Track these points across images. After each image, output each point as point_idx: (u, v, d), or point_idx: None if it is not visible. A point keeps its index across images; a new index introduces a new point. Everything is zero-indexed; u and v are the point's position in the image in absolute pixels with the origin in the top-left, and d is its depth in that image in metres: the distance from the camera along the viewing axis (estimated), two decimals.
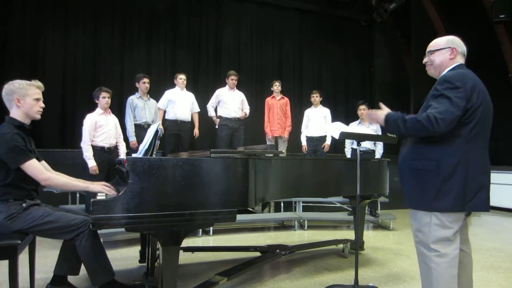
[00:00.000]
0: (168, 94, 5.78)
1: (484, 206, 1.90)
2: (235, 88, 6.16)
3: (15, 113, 2.43)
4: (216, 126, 6.08)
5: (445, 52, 2.02)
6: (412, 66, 8.55)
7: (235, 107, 6.07)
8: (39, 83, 2.50)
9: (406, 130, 1.90)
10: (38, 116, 2.50)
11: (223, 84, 6.29)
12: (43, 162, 2.57)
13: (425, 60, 2.12)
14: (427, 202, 1.90)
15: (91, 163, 4.42)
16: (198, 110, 6.03)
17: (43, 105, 2.51)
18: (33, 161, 2.32)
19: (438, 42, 2.06)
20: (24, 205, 2.35)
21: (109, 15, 7.23)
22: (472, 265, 2.07)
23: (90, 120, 4.49)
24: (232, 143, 6.04)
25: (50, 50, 6.69)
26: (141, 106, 5.41)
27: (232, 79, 6.08)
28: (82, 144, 4.46)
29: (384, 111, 2.05)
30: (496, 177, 7.73)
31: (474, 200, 1.86)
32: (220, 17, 8.22)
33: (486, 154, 1.92)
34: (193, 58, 7.94)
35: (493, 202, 7.69)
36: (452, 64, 2.00)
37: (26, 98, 2.41)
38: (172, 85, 5.96)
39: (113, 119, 4.74)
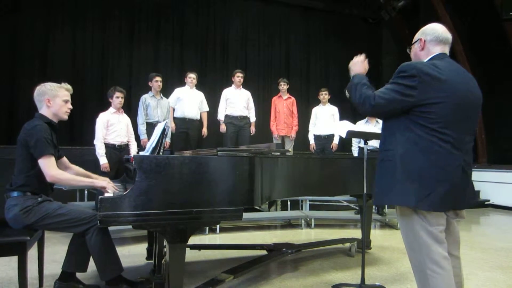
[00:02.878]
0: (177, 92, 5.82)
1: (441, 205, 1.73)
2: (241, 86, 6.17)
3: (45, 112, 2.57)
4: (221, 130, 6.10)
5: (416, 45, 1.94)
6: None
7: (241, 105, 6.09)
8: (68, 86, 2.67)
9: (351, 92, 1.91)
10: (66, 117, 2.66)
11: (230, 81, 6.30)
12: (64, 158, 2.73)
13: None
14: (387, 196, 1.82)
15: (103, 160, 4.55)
16: (207, 109, 6.05)
17: (71, 106, 2.67)
18: (52, 158, 2.43)
19: (415, 36, 1.98)
20: (39, 199, 2.43)
21: (117, 14, 7.27)
22: (462, 269, 1.95)
23: (103, 119, 4.63)
24: (238, 141, 6.07)
25: (59, 48, 6.75)
26: (153, 105, 5.46)
27: (238, 76, 6.09)
28: (95, 142, 4.61)
29: (359, 67, 2.06)
30: (507, 176, 7.65)
31: (429, 198, 1.71)
32: (226, 15, 8.22)
33: (456, 151, 1.74)
34: (200, 56, 7.96)
35: (503, 201, 7.66)
36: (427, 55, 1.89)
37: (56, 99, 2.56)
38: (180, 83, 5.98)
39: (125, 118, 4.86)
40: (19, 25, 6.44)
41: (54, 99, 2.55)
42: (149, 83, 5.53)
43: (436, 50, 1.89)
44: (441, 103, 1.72)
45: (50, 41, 6.71)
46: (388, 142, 1.88)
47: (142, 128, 5.38)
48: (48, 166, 2.39)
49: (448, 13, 8.21)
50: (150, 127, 5.38)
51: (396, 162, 1.79)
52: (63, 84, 2.63)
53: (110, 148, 4.64)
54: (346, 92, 1.99)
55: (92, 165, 4.63)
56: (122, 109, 4.82)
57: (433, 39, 1.89)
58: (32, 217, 2.36)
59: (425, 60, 1.88)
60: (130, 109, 5.61)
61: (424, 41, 1.91)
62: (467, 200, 1.81)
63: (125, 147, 4.81)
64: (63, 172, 2.53)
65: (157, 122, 5.41)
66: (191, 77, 5.87)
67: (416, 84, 1.71)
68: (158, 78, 5.48)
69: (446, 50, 1.90)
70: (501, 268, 3.55)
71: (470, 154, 1.84)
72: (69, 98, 2.65)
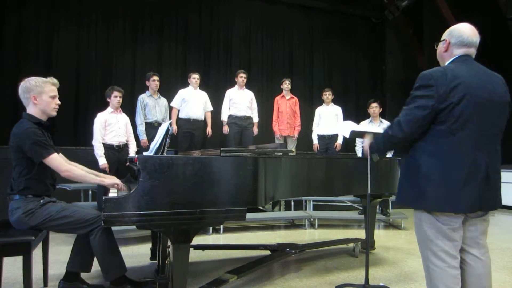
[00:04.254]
0: (182, 93, 5.81)
1: (465, 207, 1.77)
2: (244, 87, 6.17)
3: (32, 110, 2.47)
4: (224, 132, 6.10)
5: (441, 45, 1.98)
6: (424, 63, 8.44)
7: (244, 105, 6.09)
8: (55, 80, 2.54)
9: (384, 147, 2.04)
10: (54, 113, 2.55)
11: (233, 81, 6.30)
12: (61, 154, 2.62)
13: None
14: (412, 200, 1.89)
15: (102, 160, 4.53)
16: (211, 109, 6.05)
17: (59, 102, 2.56)
18: (55, 155, 2.39)
19: (444, 34, 2.01)
20: (41, 201, 2.42)
21: (121, 13, 7.28)
22: (489, 272, 1.93)
23: (100, 119, 4.61)
24: (241, 141, 6.06)
25: (63, 48, 6.76)
26: (151, 104, 5.46)
27: (241, 76, 6.09)
28: (93, 142, 4.59)
29: (367, 141, 2.18)
30: None
31: (453, 200, 1.76)
32: (230, 15, 8.22)
33: (477, 151, 1.78)
34: (203, 56, 7.96)
35: (509, 201, 7.59)
36: (449, 57, 1.94)
37: (42, 96, 2.45)
38: (183, 83, 5.98)
39: (123, 118, 4.82)
40: (23, 25, 6.47)
41: (40, 96, 2.44)
42: (147, 83, 5.52)
43: (459, 52, 1.92)
44: (457, 106, 1.76)
45: (54, 41, 6.72)
46: (411, 148, 1.93)
47: (141, 128, 5.38)
48: (57, 164, 2.37)
49: (452, 13, 8.16)
50: (149, 127, 5.39)
51: (418, 167, 1.85)
52: (48, 79, 2.51)
53: (109, 149, 4.60)
54: (375, 156, 2.18)
55: (94, 166, 4.64)
56: (120, 109, 4.79)
57: (457, 42, 1.92)
58: (35, 220, 2.37)
59: (447, 62, 1.94)
60: (133, 109, 5.60)
61: (449, 43, 1.94)
62: (489, 203, 1.83)
63: (124, 147, 4.77)
64: (75, 168, 2.50)
65: (156, 121, 5.42)
66: (195, 78, 5.86)
67: (434, 94, 1.77)
68: (155, 77, 5.47)
69: (471, 52, 1.93)
70: (507, 269, 3.53)
71: (496, 155, 1.85)
72: (56, 93, 2.52)
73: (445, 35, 1.97)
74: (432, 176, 1.80)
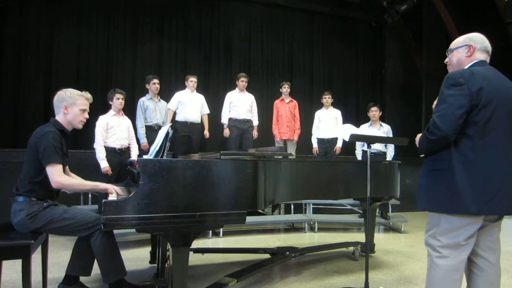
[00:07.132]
0: (178, 95, 5.82)
1: (501, 209, 1.81)
2: (245, 90, 6.18)
3: (60, 119, 2.59)
4: (224, 135, 6.11)
5: (462, 51, 1.99)
6: (423, 67, 8.46)
7: (245, 109, 6.10)
8: (89, 95, 2.69)
9: (423, 148, 1.97)
10: (80, 126, 2.66)
11: (233, 83, 6.31)
12: (67, 168, 2.67)
13: (446, 60, 2.11)
14: (437, 203, 1.87)
15: (104, 164, 4.49)
16: (208, 111, 6.06)
17: (87, 116, 2.68)
18: (59, 166, 2.42)
19: (456, 40, 2.04)
20: (45, 204, 2.44)
21: (121, 15, 7.29)
22: (499, 278, 1.96)
23: (102, 122, 4.57)
24: (242, 144, 6.07)
25: (63, 49, 6.75)
26: (151, 107, 5.45)
27: (243, 80, 6.10)
28: (95, 146, 4.55)
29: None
30: None
31: (490, 203, 1.76)
32: (230, 17, 8.25)
33: (507, 154, 1.81)
34: (203, 58, 7.98)
35: None
36: (470, 61, 1.96)
37: (73, 107, 2.57)
38: (184, 85, 5.99)
39: (125, 121, 4.80)
40: (24, 26, 6.47)
41: (71, 107, 2.56)
42: (147, 86, 5.51)
43: (480, 57, 1.96)
44: (488, 107, 1.78)
45: (54, 43, 6.72)
46: (439, 152, 1.91)
47: (141, 131, 5.35)
48: (54, 173, 2.40)
49: (451, 17, 8.19)
50: (149, 130, 5.38)
51: (451, 171, 1.83)
52: (83, 93, 2.65)
53: (110, 152, 4.56)
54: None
55: (95, 169, 4.63)
56: (122, 111, 4.78)
57: (482, 48, 1.97)
58: (38, 222, 2.37)
59: (467, 66, 1.95)
60: (133, 111, 5.60)
61: (474, 48, 1.96)
62: None
63: (126, 151, 4.73)
64: (69, 178, 2.54)
65: (156, 124, 5.41)
66: (193, 81, 5.86)
67: (466, 92, 1.78)
68: (156, 80, 5.46)
69: (488, 59, 1.99)
70: (508, 272, 3.52)
71: None
72: (87, 107, 2.65)
73: (465, 41, 1.99)
74: (464, 179, 1.78)
